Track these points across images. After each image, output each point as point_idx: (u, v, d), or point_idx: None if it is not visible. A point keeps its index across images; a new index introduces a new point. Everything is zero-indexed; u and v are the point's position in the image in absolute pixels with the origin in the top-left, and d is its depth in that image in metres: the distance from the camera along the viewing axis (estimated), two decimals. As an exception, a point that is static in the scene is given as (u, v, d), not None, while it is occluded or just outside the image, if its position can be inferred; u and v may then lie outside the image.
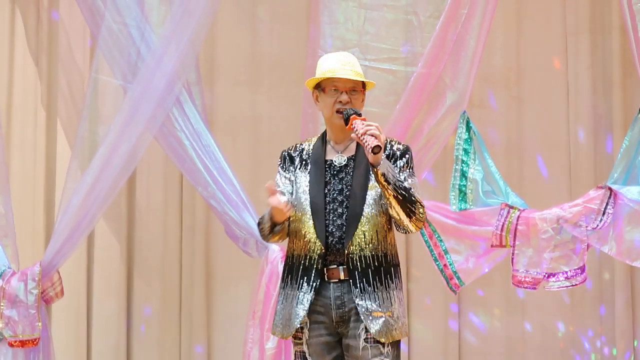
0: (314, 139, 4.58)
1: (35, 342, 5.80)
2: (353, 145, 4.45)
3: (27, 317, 5.80)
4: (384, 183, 4.25)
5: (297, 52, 6.63)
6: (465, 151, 5.79)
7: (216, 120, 6.65)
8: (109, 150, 5.80)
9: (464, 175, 5.77)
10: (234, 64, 6.80)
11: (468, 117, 5.81)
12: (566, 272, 5.56)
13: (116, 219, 6.66)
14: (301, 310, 4.38)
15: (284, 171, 4.54)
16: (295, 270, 4.43)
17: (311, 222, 4.40)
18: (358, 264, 4.34)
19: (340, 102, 4.41)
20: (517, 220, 5.60)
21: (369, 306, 4.31)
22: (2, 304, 5.80)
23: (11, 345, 5.79)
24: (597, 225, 5.52)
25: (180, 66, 5.86)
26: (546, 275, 5.56)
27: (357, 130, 4.25)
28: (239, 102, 6.79)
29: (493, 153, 5.88)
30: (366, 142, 4.22)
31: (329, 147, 4.51)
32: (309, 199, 4.42)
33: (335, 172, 4.44)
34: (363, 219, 4.36)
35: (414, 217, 4.30)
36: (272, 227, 4.41)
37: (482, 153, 5.79)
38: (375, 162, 4.24)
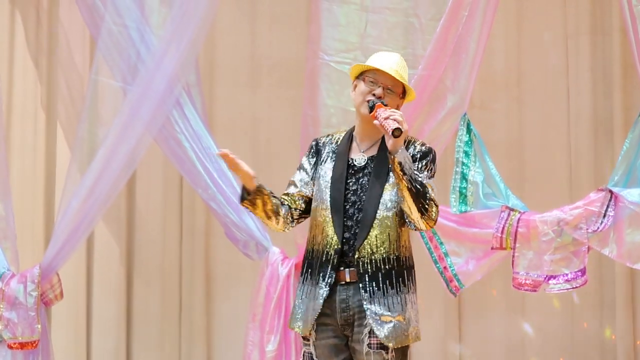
0: (345, 132, 4.56)
1: (34, 345, 5.80)
2: (376, 146, 4.42)
3: (27, 319, 5.80)
4: (400, 173, 4.20)
5: (296, 54, 6.62)
6: (466, 153, 5.78)
7: (216, 122, 6.65)
8: (108, 152, 5.80)
9: (464, 177, 5.76)
10: (234, 65, 6.80)
11: (469, 120, 5.81)
12: (567, 275, 5.56)
13: (116, 222, 6.65)
14: (318, 306, 4.35)
15: (306, 161, 4.53)
16: (314, 265, 4.40)
17: (330, 217, 4.36)
18: (368, 267, 4.30)
19: (374, 94, 4.39)
20: (518, 222, 5.59)
21: (378, 310, 4.28)
22: (1, 306, 5.80)
23: (10, 347, 5.79)
24: (598, 228, 5.52)
25: (180, 68, 5.86)
26: (547, 277, 5.56)
27: (379, 115, 4.24)
28: (239, 104, 6.79)
29: (493, 155, 5.88)
30: (388, 126, 4.20)
31: (354, 144, 4.48)
32: (329, 194, 4.40)
33: (353, 172, 4.42)
34: (376, 222, 4.32)
35: (426, 215, 4.25)
36: (245, 199, 4.35)
37: (482, 155, 5.78)
38: (394, 149, 4.20)
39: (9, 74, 6.54)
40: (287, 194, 4.52)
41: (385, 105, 4.31)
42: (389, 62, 4.43)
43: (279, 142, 6.72)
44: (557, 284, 5.56)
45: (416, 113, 5.74)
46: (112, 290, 6.65)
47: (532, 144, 6.78)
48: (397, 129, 4.18)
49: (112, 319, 6.63)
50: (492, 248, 5.63)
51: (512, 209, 5.65)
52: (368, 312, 4.28)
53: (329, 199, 4.39)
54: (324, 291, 4.33)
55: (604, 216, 5.53)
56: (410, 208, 4.25)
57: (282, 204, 4.48)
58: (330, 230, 4.36)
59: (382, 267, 4.30)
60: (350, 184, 4.40)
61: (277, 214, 4.45)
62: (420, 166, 4.35)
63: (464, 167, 5.77)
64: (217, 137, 6.12)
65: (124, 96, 5.92)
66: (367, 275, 4.30)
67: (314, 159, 4.52)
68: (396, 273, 4.32)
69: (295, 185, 4.53)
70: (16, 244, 5.97)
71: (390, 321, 4.28)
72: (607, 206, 5.54)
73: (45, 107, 6.60)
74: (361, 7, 5.80)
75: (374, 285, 4.30)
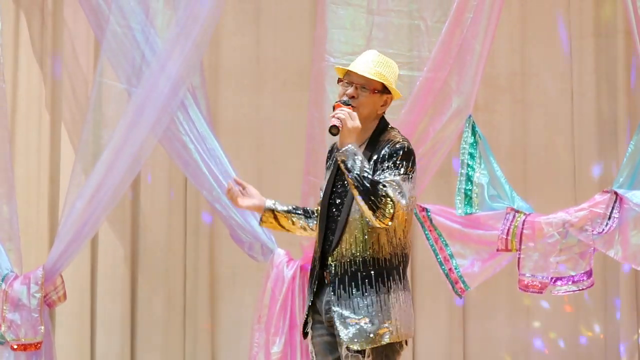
0: None
1: (37, 346, 5.80)
2: (362, 147, 4.37)
3: (30, 320, 5.80)
4: (344, 170, 4.18)
5: (301, 56, 6.63)
6: (471, 155, 5.79)
7: (221, 124, 6.65)
8: (113, 154, 5.80)
9: (469, 179, 5.76)
10: (239, 67, 6.79)
11: (474, 121, 5.81)
12: (573, 277, 5.56)
13: (120, 223, 6.65)
14: (305, 310, 4.45)
15: (326, 167, 4.56)
16: (309, 272, 4.48)
17: (319, 222, 4.41)
18: (337, 269, 4.31)
19: (346, 94, 4.39)
20: (523, 224, 5.59)
21: (343, 312, 4.27)
22: (4, 308, 5.79)
23: (13, 349, 5.79)
24: (603, 230, 5.52)
25: (184, 70, 5.85)
26: (553, 279, 5.56)
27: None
28: (244, 106, 6.79)
29: (498, 157, 5.88)
30: (329, 122, 4.21)
31: None
32: (320, 200, 4.43)
33: (342, 175, 4.42)
34: (348, 224, 4.31)
35: (377, 212, 4.16)
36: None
37: (487, 157, 5.78)
38: (339, 146, 4.21)
39: (13, 75, 6.53)
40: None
41: (348, 105, 4.30)
42: (361, 61, 4.41)
43: (284, 144, 6.72)
44: (563, 286, 5.56)
45: (421, 115, 5.74)
46: (116, 291, 6.64)
47: (537, 146, 6.78)
48: (333, 126, 4.18)
49: (117, 320, 6.62)
50: (497, 250, 5.64)
51: (517, 211, 5.65)
52: (335, 315, 4.29)
53: (320, 206, 4.44)
54: (309, 298, 4.41)
55: (609, 218, 5.53)
56: (361, 205, 4.20)
57: (310, 214, 4.57)
58: (318, 235, 4.41)
59: (349, 269, 4.29)
60: (339, 186, 4.41)
61: (302, 228, 4.57)
62: (387, 165, 4.26)
63: (469, 169, 5.78)
64: (222, 139, 6.12)
65: (129, 98, 5.92)
66: (336, 278, 4.31)
67: (329, 164, 4.55)
68: (362, 274, 4.28)
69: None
70: (20, 245, 5.97)
71: (355, 323, 4.26)
72: (612, 208, 5.54)
73: (49, 109, 6.59)
74: (367, 10, 5.81)
75: (341, 287, 4.29)
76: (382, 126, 4.43)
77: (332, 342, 4.40)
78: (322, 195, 4.44)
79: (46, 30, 6.59)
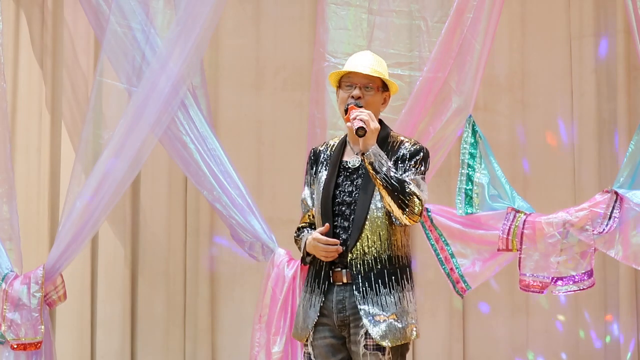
0: (339, 138, 4.60)
1: (37, 346, 5.80)
2: None
3: (30, 320, 5.80)
4: (372, 172, 4.25)
5: (301, 56, 6.63)
6: (471, 155, 5.79)
7: (221, 124, 6.65)
8: (113, 154, 5.80)
9: (470, 179, 5.76)
10: (239, 67, 6.79)
11: (474, 121, 5.81)
12: (574, 276, 5.56)
13: (121, 223, 6.65)
14: (313, 313, 4.42)
15: (308, 174, 4.59)
16: (312, 272, 4.47)
17: (322, 221, 4.42)
18: (360, 267, 4.34)
19: (352, 96, 4.40)
20: (524, 224, 5.59)
21: (371, 310, 4.30)
22: (5, 307, 5.79)
23: (13, 348, 5.79)
24: (604, 230, 5.52)
25: (185, 70, 5.85)
26: (554, 279, 5.56)
27: (350, 116, 4.28)
28: (244, 106, 6.79)
29: (498, 157, 5.88)
30: (353, 126, 4.24)
31: (348, 147, 4.51)
32: (321, 200, 4.43)
33: (348, 174, 4.44)
34: (367, 222, 4.35)
35: (407, 210, 4.27)
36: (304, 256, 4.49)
37: (488, 157, 5.79)
38: (364, 149, 4.26)
39: (13, 74, 6.53)
40: (307, 215, 4.59)
41: (360, 107, 4.32)
42: (360, 61, 4.46)
43: (284, 143, 6.72)
44: (564, 286, 5.56)
45: (421, 115, 5.75)
46: (116, 291, 6.64)
47: (537, 146, 6.78)
48: (360, 127, 4.23)
49: (117, 320, 6.62)
50: (498, 249, 5.63)
51: (517, 211, 5.65)
52: (362, 313, 4.31)
53: (320, 204, 4.43)
54: (320, 298, 4.39)
55: (610, 218, 5.53)
56: (390, 205, 4.28)
57: (309, 228, 4.56)
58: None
59: (374, 267, 4.33)
60: (346, 185, 4.43)
61: None
62: (408, 165, 4.36)
63: (469, 168, 5.78)
64: (222, 138, 6.12)
65: (129, 98, 5.91)
66: (360, 276, 4.33)
67: (314, 169, 4.55)
68: (388, 272, 4.34)
69: (306, 204, 4.60)
70: (20, 245, 5.97)
71: (384, 320, 4.30)
72: (613, 208, 5.54)
73: (50, 108, 6.60)
74: (368, 10, 5.82)
75: (367, 285, 4.32)
76: (386, 129, 4.50)
77: (336, 345, 4.42)
78: (320, 195, 4.44)
79: (46, 30, 6.59)
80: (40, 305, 5.81)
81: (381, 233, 4.35)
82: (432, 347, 6.71)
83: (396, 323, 4.31)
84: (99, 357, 6.64)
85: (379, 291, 4.32)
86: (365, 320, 4.30)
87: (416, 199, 4.28)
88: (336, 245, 4.34)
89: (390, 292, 4.32)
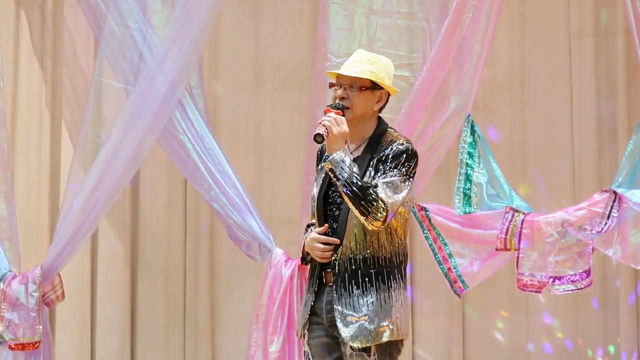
0: None
1: (35, 346, 5.80)
2: (361, 148, 4.39)
3: (28, 320, 5.80)
4: (333, 178, 4.22)
5: (300, 55, 6.63)
6: (470, 155, 5.78)
7: (219, 124, 6.65)
8: (111, 153, 5.80)
9: (468, 178, 5.76)
10: (237, 67, 6.79)
11: (472, 121, 5.81)
12: (572, 276, 5.55)
13: (120, 223, 6.65)
14: (305, 313, 4.42)
15: (316, 172, 4.55)
16: (309, 272, 4.47)
17: (316, 222, 4.41)
18: (341, 268, 4.32)
19: (336, 97, 4.39)
20: (522, 223, 5.59)
21: (344, 311, 4.29)
22: (2, 307, 5.80)
23: (11, 348, 5.79)
24: (602, 229, 5.51)
25: (182, 69, 5.85)
26: (552, 279, 5.55)
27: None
28: (242, 105, 6.79)
29: (497, 156, 5.88)
30: (315, 130, 4.22)
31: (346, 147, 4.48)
32: (315, 201, 4.43)
33: None
34: (347, 224, 4.32)
35: (369, 216, 4.20)
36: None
37: (486, 156, 5.78)
38: (328, 153, 4.23)
39: (13, 74, 6.53)
40: (314, 213, 4.55)
41: (339, 108, 4.29)
42: (348, 62, 4.43)
43: (283, 143, 6.72)
44: (562, 285, 5.55)
45: (420, 114, 5.75)
46: (116, 291, 6.64)
47: (536, 146, 6.78)
48: (317, 134, 4.19)
49: (117, 320, 6.62)
50: (496, 249, 5.63)
51: (516, 210, 5.64)
52: (336, 313, 4.30)
53: (315, 205, 4.43)
54: (313, 297, 4.39)
55: (608, 217, 5.52)
56: (353, 210, 4.23)
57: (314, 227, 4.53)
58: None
59: (349, 267, 4.31)
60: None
61: None
62: (388, 167, 4.28)
63: (467, 168, 5.77)
64: (220, 138, 6.13)
65: (127, 97, 5.92)
66: (338, 277, 4.32)
67: (319, 167, 4.54)
68: (362, 273, 4.29)
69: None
70: (18, 244, 5.97)
71: (356, 321, 4.27)
72: (611, 207, 5.53)
73: (50, 108, 6.59)
74: (370, 11, 5.83)
75: (342, 286, 4.31)
76: (382, 126, 4.43)
77: (331, 344, 4.41)
78: (316, 195, 4.44)
79: (46, 29, 6.59)
80: (38, 305, 5.81)
81: (357, 233, 4.32)
82: (431, 348, 6.70)
83: (367, 324, 4.28)
84: (99, 357, 6.64)
85: (352, 292, 4.29)
86: (338, 321, 4.30)
87: (380, 205, 4.19)
88: (336, 244, 4.33)
89: (364, 293, 4.29)
